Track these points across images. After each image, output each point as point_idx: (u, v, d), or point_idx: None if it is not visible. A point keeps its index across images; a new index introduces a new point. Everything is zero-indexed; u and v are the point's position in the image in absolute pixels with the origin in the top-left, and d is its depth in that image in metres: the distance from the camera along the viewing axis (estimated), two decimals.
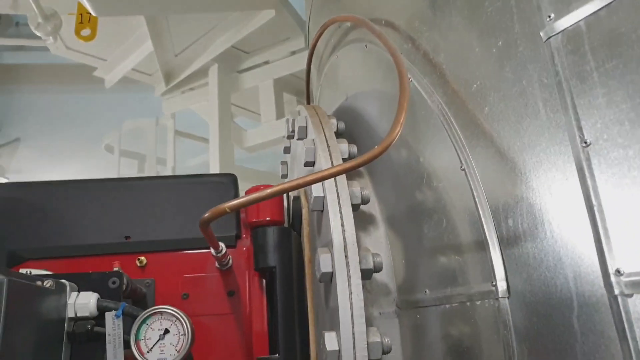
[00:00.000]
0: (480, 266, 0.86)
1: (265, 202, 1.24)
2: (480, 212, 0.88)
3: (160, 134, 5.24)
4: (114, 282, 1.11)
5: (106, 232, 1.40)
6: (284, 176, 1.94)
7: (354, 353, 0.91)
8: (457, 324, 0.91)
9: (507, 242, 0.84)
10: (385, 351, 0.95)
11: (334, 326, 0.96)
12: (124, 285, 1.12)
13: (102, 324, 1.06)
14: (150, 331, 1.03)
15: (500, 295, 0.82)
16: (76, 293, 1.08)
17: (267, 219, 1.27)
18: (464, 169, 0.92)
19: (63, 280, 1.08)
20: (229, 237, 1.35)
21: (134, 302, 1.22)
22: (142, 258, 1.37)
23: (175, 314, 1.05)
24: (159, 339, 1.03)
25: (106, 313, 1.06)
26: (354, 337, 0.92)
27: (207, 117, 4.41)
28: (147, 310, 1.04)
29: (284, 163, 1.94)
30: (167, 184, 1.51)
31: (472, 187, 0.90)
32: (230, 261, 1.34)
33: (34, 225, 1.42)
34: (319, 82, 1.88)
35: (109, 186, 1.52)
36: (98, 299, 1.08)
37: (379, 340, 0.94)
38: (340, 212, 1.02)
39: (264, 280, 1.30)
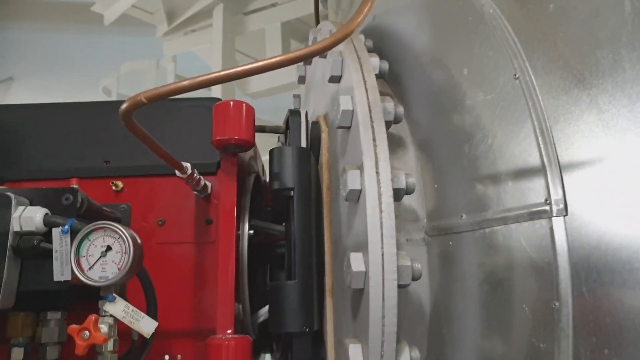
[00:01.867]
0: (532, 184, 0.77)
1: (233, 119, 1.15)
2: (536, 126, 0.78)
3: (160, 77, 5.07)
4: (67, 199, 1.05)
5: (86, 156, 1.37)
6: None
7: (383, 276, 0.83)
8: (498, 249, 0.83)
9: (567, 160, 0.75)
10: (415, 277, 0.87)
11: (361, 248, 0.87)
12: (77, 203, 1.06)
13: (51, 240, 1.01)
14: (93, 247, 0.98)
15: (555, 214, 0.73)
16: (23, 207, 1.03)
17: (235, 137, 1.15)
18: (517, 77, 0.82)
19: (8, 193, 1.04)
20: (209, 164, 1.29)
21: None
22: (118, 182, 1.31)
23: (118, 230, 0.98)
24: (100, 256, 0.97)
25: (53, 229, 1.01)
26: (383, 259, 0.84)
27: (210, 60, 4.25)
28: (89, 225, 0.98)
29: (297, 96, 1.83)
30: (150, 108, 1.43)
31: (527, 98, 0.80)
32: (209, 189, 1.28)
33: (12, 148, 1.39)
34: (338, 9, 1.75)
35: (90, 109, 1.46)
36: (46, 214, 1.02)
37: (409, 264, 0.86)
38: (372, 127, 0.92)
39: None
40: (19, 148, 1.42)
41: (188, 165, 1.11)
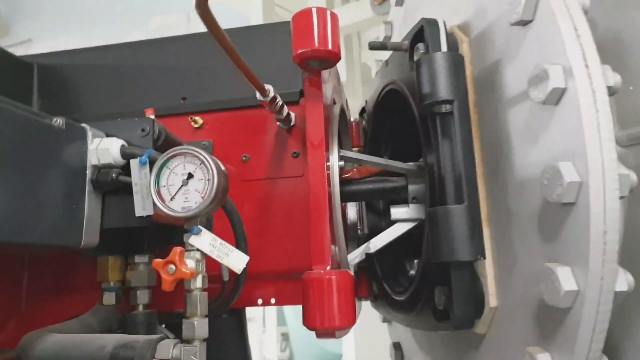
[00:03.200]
0: None
1: (316, 28, 0.97)
2: None
3: (191, 32, 4.88)
4: (143, 130, 1.00)
5: (161, 94, 1.32)
6: (387, 38, 1.68)
7: (604, 185, 0.71)
8: None
9: None
10: (632, 188, 0.75)
11: (568, 157, 0.74)
12: (154, 134, 1.00)
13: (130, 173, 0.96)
14: (173, 176, 0.89)
15: None
16: (99, 139, 0.99)
17: (321, 49, 0.96)
18: None
19: (83, 125, 0.99)
20: (292, 94, 1.20)
21: None
22: (197, 118, 1.23)
23: (200, 155, 0.88)
24: (182, 185, 0.88)
25: (131, 160, 0.96)
26: (603, 166, 0.71)
27: (248, 12, 4.05)
28: (168, 151, 0.89)
29: (388, 23, 1.67)
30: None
31: None
32: (293, 119, 1.18)
33: (87, 91, 1.38)
34: None
35: (160, 46, 1.39)
36: (123, 145, 0.98)
37: (627, 172, 0.74)
38: (571, 15, 0.78)
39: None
40: (92, 90, 1.39)
41: (270, 87, 0.98)
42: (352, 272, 1.19)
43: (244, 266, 0.89)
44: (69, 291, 1.26)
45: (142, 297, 1.09)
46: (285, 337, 4.97)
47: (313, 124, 1.01)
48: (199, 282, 0.88)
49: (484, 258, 0.90)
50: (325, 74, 1.08)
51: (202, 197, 0.87)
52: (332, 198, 1.02)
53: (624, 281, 0.73)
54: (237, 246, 1.01)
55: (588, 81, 0.73)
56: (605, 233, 0.70)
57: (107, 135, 1.02)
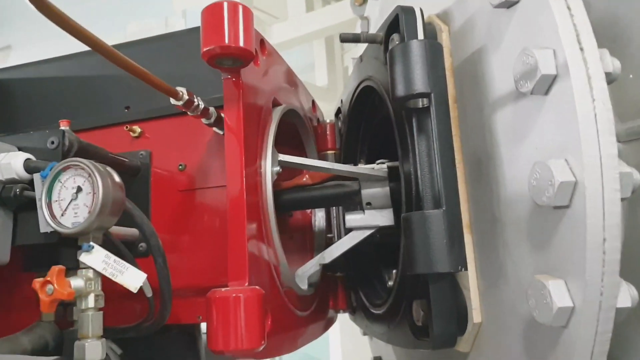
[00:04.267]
0: None
1: (225, 23, 0.88)
2: None
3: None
4: (52, 142, 0.96)
5: (105, 103, 1.29)
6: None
7: (602, 185, 0.61)
8: None
9: None
10: (635, 188, 0.66)
11: (562, 152, 0.65)
12: (65, 145, 0.95)
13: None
14: (64, 190, 0.85)
15: None
16: (5, 154, 0.96)
17: (231, 46, 0.86)
18: None
19: None
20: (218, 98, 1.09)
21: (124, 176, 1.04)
22: (135, 127, 1.16)
23: (86, 166, 0.83)
24: (71, 199, 0.84)
25: (34, 175, 0.93)
26: (601, 162, 0.62)
27: None
28: (59, 163, 0.86)
29: (365, 19, 1.59)
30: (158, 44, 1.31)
31: None
32: None
33: (32, 104, 1.36)
34: None
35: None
36: (27, 159, 0.94)
37: (629, 170, 0.65)
38: None
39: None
40: (38, 103, 1.36)
41: (183, 89, 0.90)
42: (305, 286, 1.10)
43: (140, 284, 0.84)
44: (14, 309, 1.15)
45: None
46: None
47: (230, 128, 0.92)
48: (90, 302, 0.83)
49: (466, 269, 0.80)
50: (257, 73, 0.99)
51: (89, 211, 0.82)
52: (262, 207, 0.94)
53: (626, 296, 0.64)
54: (155, 261, 0.93)
55: (583, 66, 0.64)
56: (605, 241, 0.61)
57: (20, 149, 0.98)
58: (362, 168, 1.09)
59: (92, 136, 1.18)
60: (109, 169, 0.86)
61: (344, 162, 1.33)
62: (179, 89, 0.89)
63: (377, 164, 1.11)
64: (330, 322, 1.39)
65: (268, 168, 0.99)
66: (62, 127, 0.99)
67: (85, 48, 0.74)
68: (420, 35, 0.90)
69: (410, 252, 0.80)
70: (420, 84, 0.83)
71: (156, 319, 0.93)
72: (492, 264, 0.82)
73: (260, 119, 1.01)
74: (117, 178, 0.86)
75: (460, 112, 0.92)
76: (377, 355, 1.58)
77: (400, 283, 0.96)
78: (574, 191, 0.63)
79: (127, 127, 1.17)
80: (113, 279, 0.83)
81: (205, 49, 0.86)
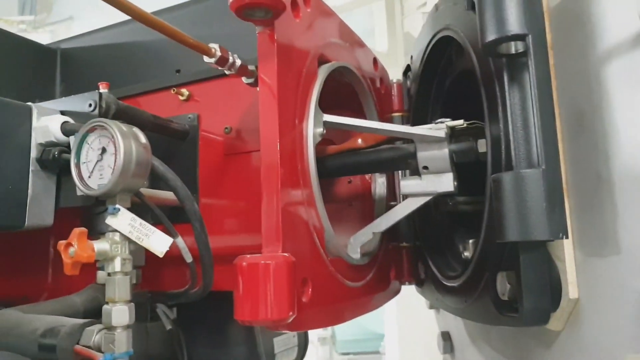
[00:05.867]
0: None
1: None
2: None
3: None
4: (90, 105, 0.96)
5: (156, 67, 1.30)
6: None
7: None
8: None
9: None
10: None
11: None
12: (102, 108, 0.95)
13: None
14: (91, 152, 0.85)
15: None
16: (47, 117, 0.97)
17: None
18: None
19: (29, 103, 0.98)
20: None
21: (169, 140, 1.09)
22: (183, 90, 1.14)
23: (108, 127, 0.82)
24: (97, 161, 0.84)
25: (70, 137, 0.93)
26: None
27: None
28: (86, 124, 0.85)
29: None
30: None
31: None
32: None
33: (105, 70, 1.39)
34: None
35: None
36: (65, 122, 0.94)
37: None
38: None
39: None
40: (109, 69, 1.40)
41: (216, 46, 0.84)
42: (357, 255, 1.02)
43: (166, 249, 0.82)
44: None
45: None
46: None
47: (265, 85, 0.83)
48: (117, 266, 0.82)
49: (567, 237, 0.70)
50: (297, 26, 0.90)
51: (112, 173, 0.81)
52: (302, 171, 0.87)
53: None
54: (193, 226, 0.90)
55: None
56: None
57: (62, 113, 0.99)
58: (418, 128, 0.99)
59: (142, 101, 1.19)
60: (135, 129, 0.84)
61: (414, 125, 1.23)
62: (211, 45, 0.84)
63: (436, 123, 1.00)
64: (391, 294, 1.32)
65: (310, 129, 0.90)
66: (101, 90, 0.99)
67: None
68: None
69: (500, 218, 0.71)
70: (515, 24, 0.72)
71: (201, 286, 0.90)
72: (594, 231, 0.71)
73: (301, 76, 0.92)
74: (143, 139, 0.84)
75: (558, 61, 0.80)
76: (444, 330, 1.50)
77: (482, 253, 0.87)
78: None
79: (174, 90, 1.15)
80: (139, 242, 0.82)
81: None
